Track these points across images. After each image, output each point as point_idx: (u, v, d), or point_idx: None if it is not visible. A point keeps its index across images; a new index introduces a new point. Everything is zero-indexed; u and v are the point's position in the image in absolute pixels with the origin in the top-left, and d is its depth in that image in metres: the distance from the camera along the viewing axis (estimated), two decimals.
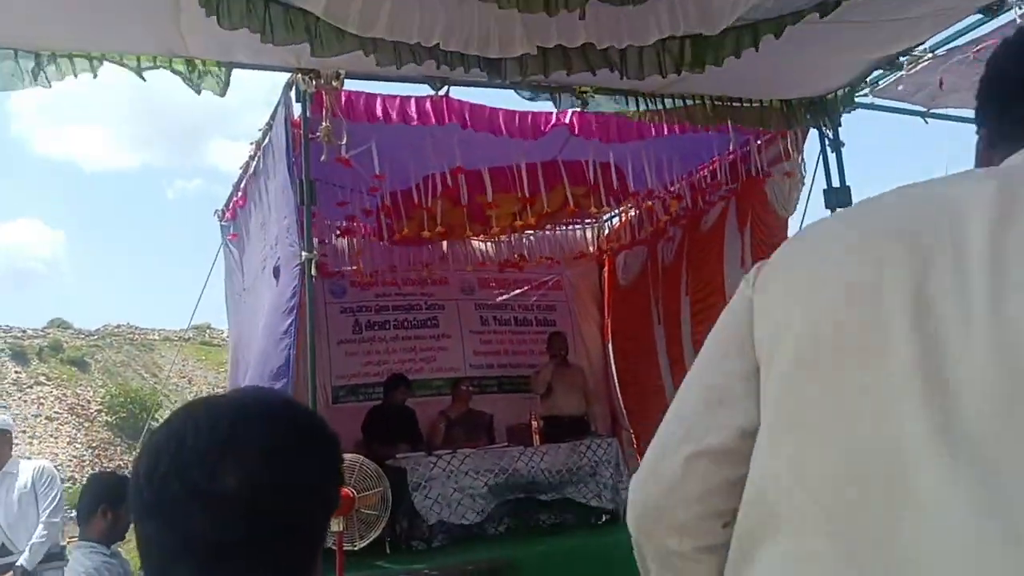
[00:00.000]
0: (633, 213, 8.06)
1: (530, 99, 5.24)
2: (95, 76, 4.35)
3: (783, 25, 4.34)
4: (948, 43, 5.09)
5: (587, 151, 6.21)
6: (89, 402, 22.36)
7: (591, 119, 5.79)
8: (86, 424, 21.59)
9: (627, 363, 8.66)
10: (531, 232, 8.33)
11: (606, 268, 9.18)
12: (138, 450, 0.98)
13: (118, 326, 26.56)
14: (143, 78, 4.45)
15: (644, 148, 6.18)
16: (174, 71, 4.50)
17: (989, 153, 1.06)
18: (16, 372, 22.58)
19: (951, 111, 5.97)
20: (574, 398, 7.75)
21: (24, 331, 24.52)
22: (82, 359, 23.93)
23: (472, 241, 8.30)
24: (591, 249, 9.14)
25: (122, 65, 4.42)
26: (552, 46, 4.35)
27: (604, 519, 6.60)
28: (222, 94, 4.68)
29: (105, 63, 4.38)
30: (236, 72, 4.70)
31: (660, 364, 7.93)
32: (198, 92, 4.58)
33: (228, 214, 7.09)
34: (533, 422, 6.92)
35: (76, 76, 4.24)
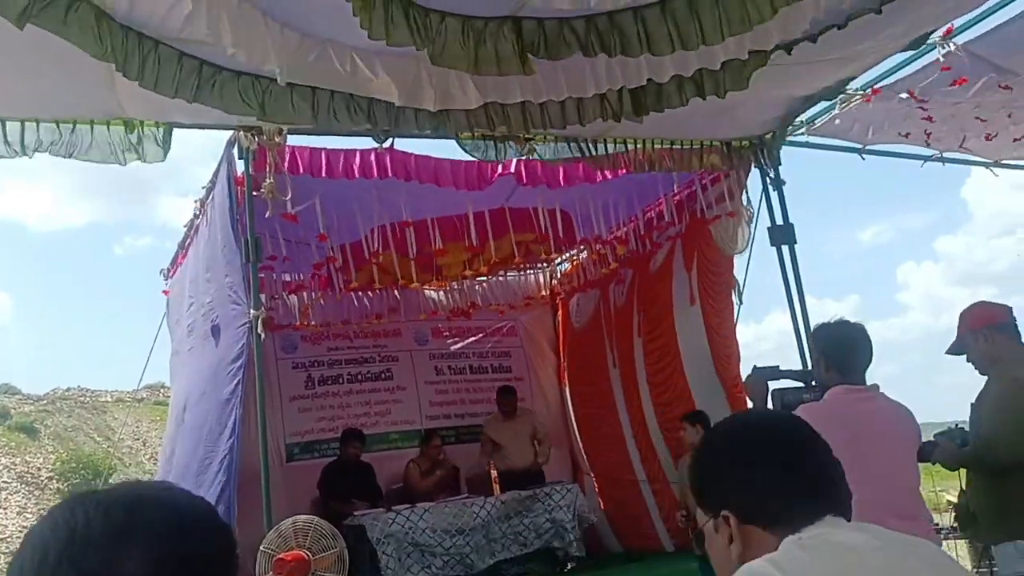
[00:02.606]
0: (584, 255, 8.10)
1: (477, 156, 5.24)
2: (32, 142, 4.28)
3: (722, 85, 4.41)
4: (877, 82, 5.24)
5: (534, 198, 6.23)
6: (39, 469, 21.62)
7: (536, 165, 5.82)
8: (36, 492, 20.85)
9: (586, 409, 8.53)
10: (483, 279, 8.32)
11: (560, 311, 9.16)
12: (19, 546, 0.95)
13: (68, 389, 25.80)
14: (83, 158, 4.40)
15: (591, 192, 6.22)
16: (111, 131, 4.45)
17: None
18: None
19: (885, 147, 6.14)
20: (524, 449, 7.49)
21: None
22: (31, 425, 23.17)
23: (424, 290, 8.26)
24: (543, 293, 9.15)
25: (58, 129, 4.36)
26: (491, 100, 4.36)
27: (569, 566, 6.52)
28: (163, 159, 4.61)
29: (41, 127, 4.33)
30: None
31: (619, 411, 7.77)
32: (123, 164, 4.50)
33: (172, 272, 7.00)
34: (492, 471, 6.86)
35: (7, 142, 4.16)
